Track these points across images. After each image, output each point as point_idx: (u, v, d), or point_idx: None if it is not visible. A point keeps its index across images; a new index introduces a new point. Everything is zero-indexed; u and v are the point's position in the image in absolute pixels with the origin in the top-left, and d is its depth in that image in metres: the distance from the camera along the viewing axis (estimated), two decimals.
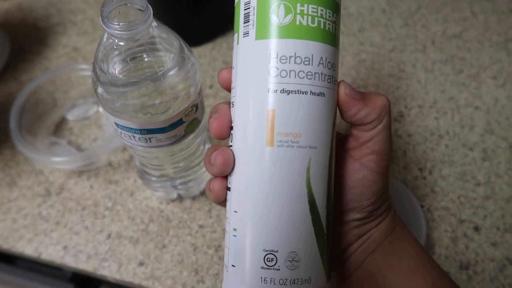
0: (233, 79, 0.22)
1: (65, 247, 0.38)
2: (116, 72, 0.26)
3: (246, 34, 0.21)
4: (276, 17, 0.20)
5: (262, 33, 0.20)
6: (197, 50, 0.51)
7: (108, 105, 0.26)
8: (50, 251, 0.37)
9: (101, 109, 0.46)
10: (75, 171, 0.42)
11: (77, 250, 0.38)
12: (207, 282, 0.36)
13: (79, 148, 0.43)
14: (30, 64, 0.49)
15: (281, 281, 0.20)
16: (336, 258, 0.26)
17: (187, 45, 0.27)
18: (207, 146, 0.38)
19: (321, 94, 0.20)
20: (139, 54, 0.26)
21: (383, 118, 0.22)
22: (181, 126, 0.28)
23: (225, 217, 0.23)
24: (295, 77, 0.20)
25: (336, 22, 0.21)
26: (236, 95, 0.21)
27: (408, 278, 0.24)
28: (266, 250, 0.20)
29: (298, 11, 0.20)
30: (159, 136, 0.28)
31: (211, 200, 0.23)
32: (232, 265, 0.21)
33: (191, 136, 0.30)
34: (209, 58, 0.51)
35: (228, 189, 0.22)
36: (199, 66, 0.49)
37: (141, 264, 0.37)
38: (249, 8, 0.20)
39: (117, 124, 0.27)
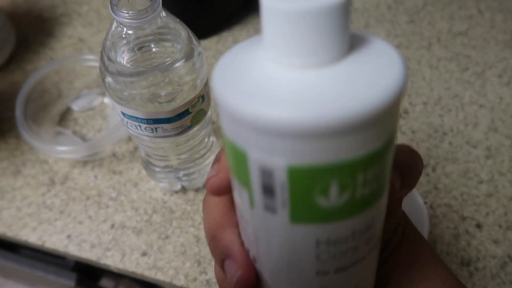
0: (250, 245, 0.17)
1: (68, 236, 0.38)
2: (124, 61, 0.26)
3: (270, 209, 0.14)
4: (325, 200, 0.13)
5: (303, 217, 0.14)
6: (202, 43, 0.51)
7: (116, 94, 0.26)
8: (54, 239, 0.38)
9: (106, 100, 0.46)
10: (80, 161, 0.42)
11: (81, 239, 0.38)
12: (209, 274, 0.36)
13: (83, 138, 0.44)
14: (35, 55, 0.49)
15: None
16: None
17: (195, 36, 0.27)
18: (212, 138, 0.38)
19: (375, 247, 0.16)
20: (147, 44, 0.26)
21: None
22: (187, 116, 0.28)
23: None
24: (352, 252, 0.15)
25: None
26: (264, 271, 0.17)
27: None
28: None
29: (359, 183, 0.13)
30: (165, 126, 0.28)
31: None
32: None
33: (197, 127, 0.30)
34: (214, 51, 0.51)
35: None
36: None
37: (144, 254, 0.37)
38: (272, 179, 0.13)
39: (123, 114, 0.27)
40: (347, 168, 0.12)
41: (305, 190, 0.13)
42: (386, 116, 0.12)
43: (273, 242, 0.15)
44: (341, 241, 0.14)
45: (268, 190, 0.13)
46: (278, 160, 0.12)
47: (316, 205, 0.13)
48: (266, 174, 0.13)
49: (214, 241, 0.18)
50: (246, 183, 0.14)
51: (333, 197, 0.13)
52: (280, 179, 0.13)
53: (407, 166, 0.18)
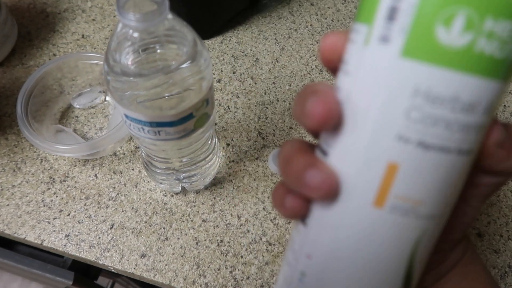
0: (343, 88, 0.16)
1: (67, 235, 0.38)
2: (129, 62, 0.25)
3: (385, 39, 0.14)
4: (445, 32, 0.13)
5: (415, 50, 0.13)
6: (206, 43, 0.51)
7: (119, 95, 0.26)
8: (53, 238, 0.37)
9: (108, 98, 0.46)
10: (80, 159, 0.42)
11: (80, 238, 0.38)
12: (208, 277, 0.36)
13: (84, 137, 0.43)
14: (38, 50, 0.49)
15: None
16: None
17: (201, 39, 0.27)
18: (214, 140, 0.38)
19: (469, 152, 0.15)
20: (152, 46, 0.26)
21: None
22: (191, 120, 0.28)
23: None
24: (445, 128, 0.14)
25: None
26: (344, 126, 0.15)
27: None
28: None
29: (484, 30, 0.12)
30: (168, 129, 0.27)
31: (283, 212, 0.18)
32: None
33: (200, 130, 0.30)
34: (218, 52, 0.50)
35: (304, 223, 0.17)
36: None
37: (143, 255, 0.37)
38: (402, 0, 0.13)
39: (126, 116, 0.27)
40: (478, 2, 0.12)
41: (430, 14, 0.13)
42: None
43: (375, 80, 0.14)
44: (440, 101, 0.13)
45: (392, 12, 0.13)
46: None
47: (433, 37, 0.13)
48: None
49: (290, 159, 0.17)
50: (369, 14, 0.14)
51: (455, 31, 0.13)
52: None
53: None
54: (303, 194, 0.16)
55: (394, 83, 0.14)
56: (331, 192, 0.15)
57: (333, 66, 0.17)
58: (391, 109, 0.14)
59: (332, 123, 0.15)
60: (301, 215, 0.17)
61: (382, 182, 0.14)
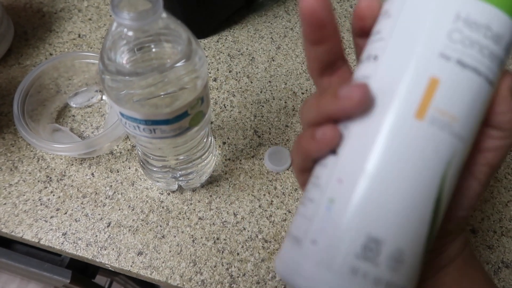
0: (383, 27, 0.18)
1: (64, 234, 0.38)
2: (124, 61, 0.26)
3: None
4: None
5: None
6: (201, 43, 0.51)
7: (114, 94, 0.26)
8: (50, 237, 0.38)
9: (104, 97, 0.46)
10: (77, 158, 0.42)
11: (77, 237, 0.38)
12: (204, 274, 0.36)
13: (81, 136, 0.43)
14: (34, 50, 0.49)
15: (375, 280, 0.15)
16: None
17: (195, 38, 0.27)
18: (210, 139, 0.38)
19: (492, 83, 0.17)
20: (147, 45, 0.26)
21: None
22: (186, 118, 0.28)
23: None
24: (478, 52, 0.16)
25: None
26: (389, 48, 0.17)
27: None
28: (369, 237, 0.15)
29: None
30: (163, 127, 0.28)
31: (312, 149, 0.18)
32: (313, 241, 0.17)
33: (195, 128, 0.30)
34: (214, 51, 0.50)
35: (335, 153, 0.18)
36: None
37: (140, 253, 0.37)
38: None
39: (122, 114, 0.27)
40: None
41: None
42: None
43: (424, 7, 0.16)
44: (476, 26, 0.16)
45: None
46: None
47: None
48: None
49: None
50: None
51: None
52: None
53: None
54: (338, 114, 0.17)
55: (440, 9, 0.16)
56: (365, 99, 0.16)
57: (364, 25, 0.19)
58: (436, 30, 0.16)
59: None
60: (333, 144, 0.18)
61: (425, 95, 0.16)
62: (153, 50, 0.27)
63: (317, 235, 0.17)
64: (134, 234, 0.38)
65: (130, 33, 0.24)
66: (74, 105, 0.45)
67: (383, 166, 0.16)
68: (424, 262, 0.17)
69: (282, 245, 0.19)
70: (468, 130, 0.16)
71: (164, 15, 0.25)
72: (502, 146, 0.19)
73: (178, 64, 0.26)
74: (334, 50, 0.20)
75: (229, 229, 0.39)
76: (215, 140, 0.43)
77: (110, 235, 0.38)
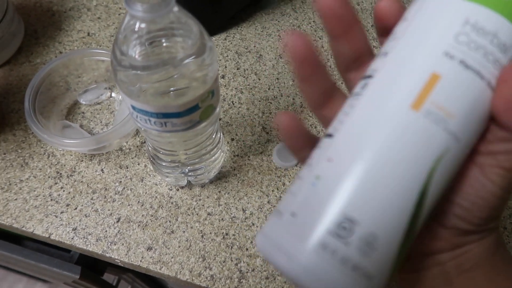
0: (398, 30, 0.19)
1: (74, 229, 0.38)
2: (136, 55, 0.26)
3: None
4: None
5: None
6: None
7: (126, 87, 0.26)
8: (60, 232, 0.38)
9: (114, 94, 0.46)
10: (87, 154, 0.42)
11: (87, 232, 0.38)
12: (213, 269, 0.36)
13: (91, 132, 0.44)
14: (44, 48, 0.50)
15: (342, 259, 0.16)
16: (418, 260, 0.21)
17: (206, 32, 0.27)
18: (219, 135, 0.38)
19: (493, 89, 0.17)
20: (159, 38, 0.26)
21: None
22: (196, 111, 0.28)
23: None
24: (482, 56, 0.16)
25: None
26: (398, 45, 0.18)
27: None
28: (346, 216, 0.16)
29: None
30: (174, 120, 0.28)
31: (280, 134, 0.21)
32: (293, 213, 0.17)
33: (205, 122, 0.30)
34: (222, 49, 0.51)
35: (329, 135, 0.18)
36: None
37: (149, 248, 0.37)
38: None
39: (133, 107, 0.27)
40: None
41: None
42: None
43: (437, 11, 0.17)
44: (483, 32, 0.16)
45: None
46: None
47: None
48: None
49: None
50: None
51: None
52: None
53: None
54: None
55: (451, 13, 0.17)
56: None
57: (385, 24, 0.20)
58: (444, 31, 0.17)
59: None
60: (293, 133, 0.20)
61: (424, 87, 0.16)
62: (164, 44, 0.27)
63: (297, 208, 0.17)
64: (143, 229, 0.38)
65: (143, 25, 0.24)
66: (83, 102, 0.45)
67: (373, 151, 0.16)
68: (401, 257, 0.17)
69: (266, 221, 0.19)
70: (463, 130, 0.17)
71: (176, 8, 0.25)
72: None
73: (190, 58, 0.26)
74: (357, 44, 0.20)
75: (238, 224, 0.39)
76: (224, 137, 0.44)
77: (119, 231, 0.38)
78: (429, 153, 0.16)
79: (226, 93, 0.47)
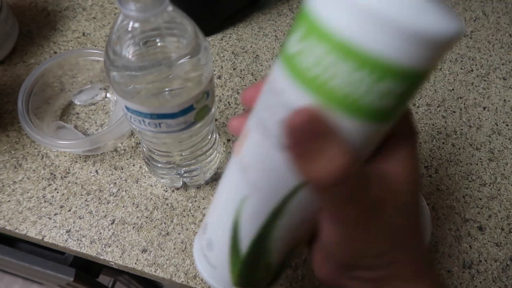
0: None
1: (68, 231, 0.38)
2: (129, 55, 0.25)
3: None
4: (293, 38, 0.16)
5: (282, 52, 0.17)
6: None
7: (120, 88, 0.26)
8: (54, 234, 0.37)
9: (108, 95, 0.46)
10: (81, 156, 0.42)
11: (81, 234, 0.38)
12: None
13: (85, 133, 0.43)
14: (39, 48, 0.49)
15: (201, 249, 0.24)
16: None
17: (201, 32, 0.27)
18: (215, 136, 0.38)
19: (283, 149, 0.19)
20: (153, 38, 0.26)
21: None
22: (191, 112, 0.28)
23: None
24: (270, 115, 0.17)
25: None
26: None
27: None
28: (205, 223, 0.24)
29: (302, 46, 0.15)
30: (169, 121, 0.28)
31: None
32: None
33: (201, 123, 0.30)
34: (218, 49, 0.50)
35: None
36: None
37: (144, 250, 0.37)
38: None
39: (127, 108, 0.27)
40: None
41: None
42: (443, 49, 0.14)
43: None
44: (274, 93, 0.17)
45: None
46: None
47: (287, 41, 0.16)
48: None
49: None
50: None
51: (294, 39, 0.15)
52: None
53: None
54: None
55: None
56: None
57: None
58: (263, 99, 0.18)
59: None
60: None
61: (241, 138, 0.19)
62: (159, 44, 0.26)
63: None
64: (138, 231, 0.38)
65: (136, 25, 0.24)
66: (78, 103, 0.45)
67: (222, 179, 0.22)
68: (235, 264, 0.22)
69: None
70: (260, 181, 0.18)
71: (170, 8, 0.25)
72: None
73: (185, 58, 0.26)
74: None
75: None
76: (220, 138, 0.43)
77: (114, 232, 0.38)
78: (236, 193, 0.20)
79: (223, 94, 0.47)
